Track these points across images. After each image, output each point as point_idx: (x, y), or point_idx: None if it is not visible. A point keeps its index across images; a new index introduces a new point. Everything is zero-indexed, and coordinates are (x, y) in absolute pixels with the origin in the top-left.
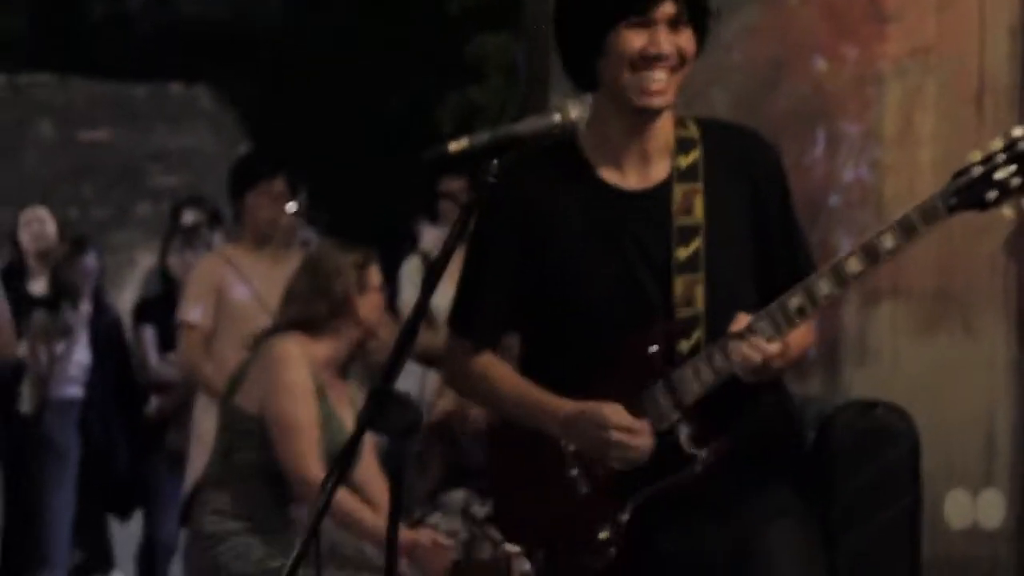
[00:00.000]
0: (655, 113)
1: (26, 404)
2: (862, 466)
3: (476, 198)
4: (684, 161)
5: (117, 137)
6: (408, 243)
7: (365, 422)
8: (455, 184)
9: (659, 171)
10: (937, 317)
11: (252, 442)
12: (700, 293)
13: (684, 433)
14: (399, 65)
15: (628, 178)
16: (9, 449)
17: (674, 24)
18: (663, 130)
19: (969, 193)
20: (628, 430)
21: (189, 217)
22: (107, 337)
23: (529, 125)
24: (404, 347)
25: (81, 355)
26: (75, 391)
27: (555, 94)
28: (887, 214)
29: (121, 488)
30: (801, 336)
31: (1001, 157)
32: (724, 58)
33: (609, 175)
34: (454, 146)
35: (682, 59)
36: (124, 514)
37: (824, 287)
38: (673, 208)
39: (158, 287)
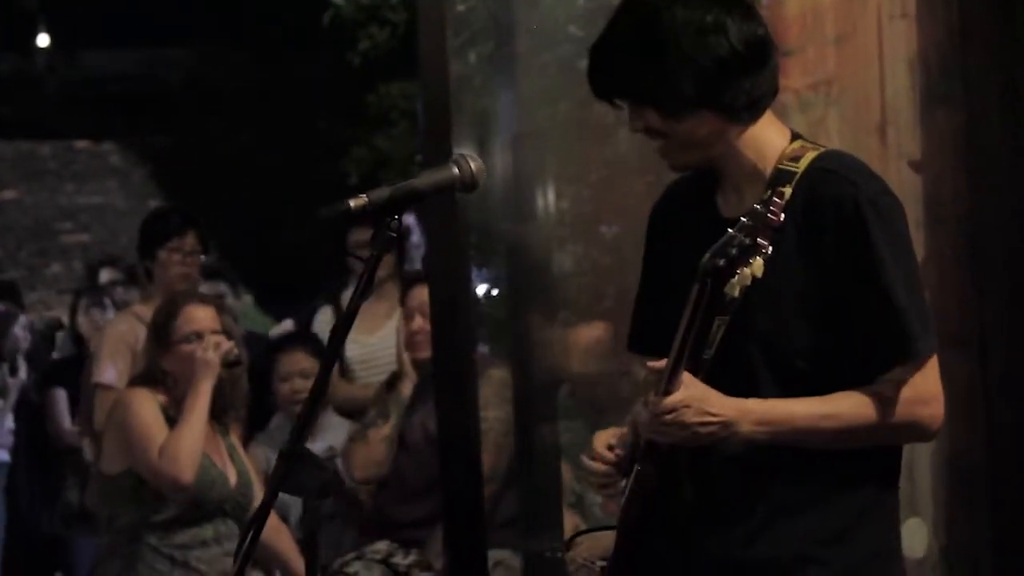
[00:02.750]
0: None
1: None
2: None
3: (377, 254)
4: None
5: (25, 197)
6: (323, 294)
7: (277, 484)
8: (365, 236)
9: (752, 201)
10: None
11: (125, 500)
12: (718, 337)
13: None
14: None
15: (728, 204)
16: None
17: (633, 107)
18: (749, 161)
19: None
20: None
21: (106, 276)
22: (24, 402)
23: (428, 179)
24: (314, 406)
25: (8, 420)
26: (3, 456)
27: (456, 143)
28: None
29: (45, 554)
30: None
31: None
32: None
33: (720, 199)
34: (354, 203)
35: (656, 133)
36: None
37: None
38: None
39: (69, 348)
